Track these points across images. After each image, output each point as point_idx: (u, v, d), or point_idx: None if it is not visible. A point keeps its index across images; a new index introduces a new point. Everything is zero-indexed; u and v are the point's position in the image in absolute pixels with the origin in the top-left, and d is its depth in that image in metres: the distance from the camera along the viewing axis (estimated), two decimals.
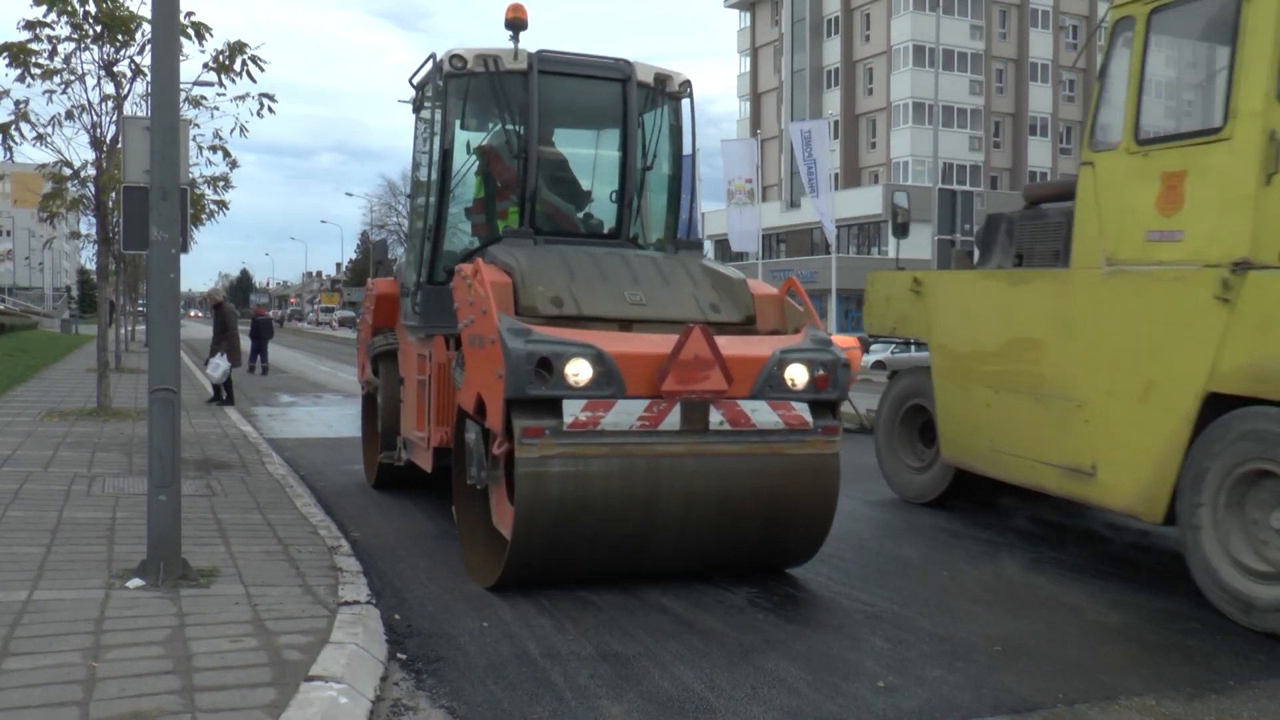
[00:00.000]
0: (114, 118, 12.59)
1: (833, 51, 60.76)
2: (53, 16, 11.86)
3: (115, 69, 12.49)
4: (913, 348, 21.92)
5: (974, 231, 14.62)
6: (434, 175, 7.41)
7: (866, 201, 52.25)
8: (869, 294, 9.30)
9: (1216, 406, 5.67)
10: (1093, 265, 6.49)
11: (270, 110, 12.54)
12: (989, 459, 7.55)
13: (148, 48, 11.31)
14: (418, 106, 8.13)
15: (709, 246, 42.36)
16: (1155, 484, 6.00)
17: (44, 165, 13.96)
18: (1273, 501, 5.43)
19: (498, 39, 7.41)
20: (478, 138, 7.73)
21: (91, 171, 13.21)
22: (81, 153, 13.26)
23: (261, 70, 12.10)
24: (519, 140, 7.28)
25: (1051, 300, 6.88)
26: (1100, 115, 6.63)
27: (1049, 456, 6.86)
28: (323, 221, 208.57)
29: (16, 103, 12.23)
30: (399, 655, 4.75)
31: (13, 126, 12.20)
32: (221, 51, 12.09)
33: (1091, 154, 6.61)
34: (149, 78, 6.59)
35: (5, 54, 11.79)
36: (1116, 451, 6.29)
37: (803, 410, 5.82)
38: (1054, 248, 7.33)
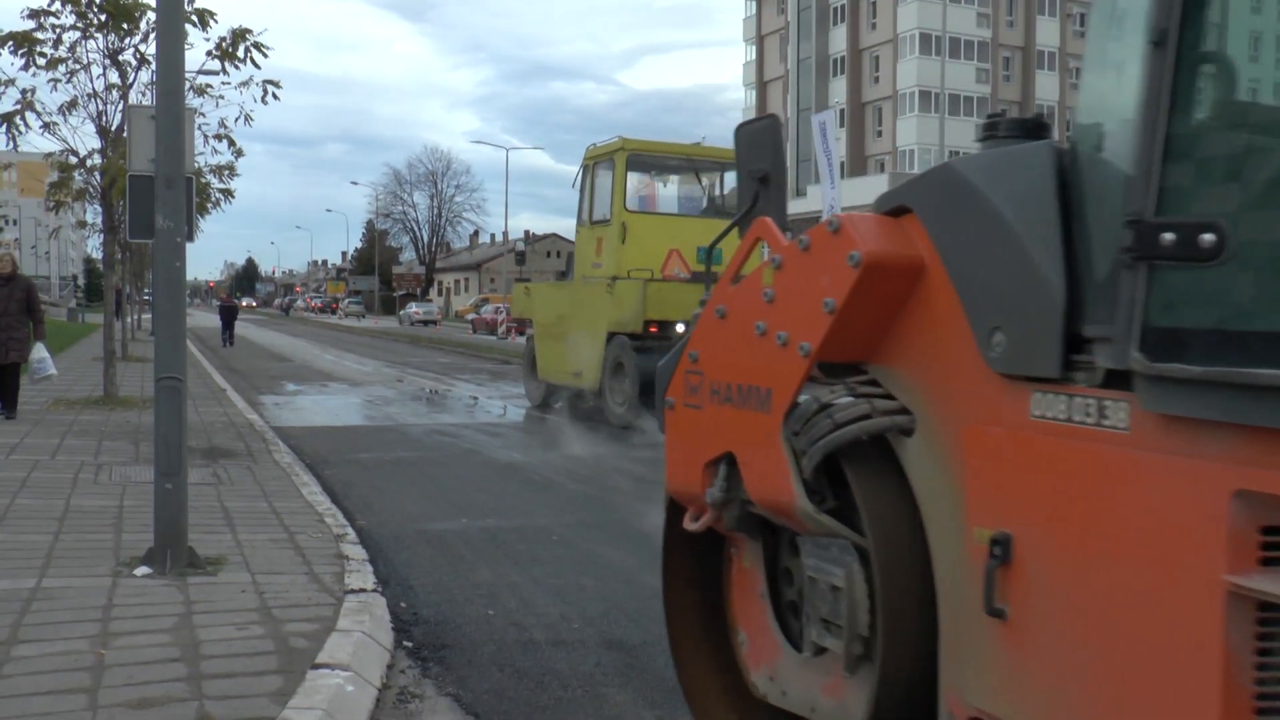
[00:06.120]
0: (119, 106, 12.58)
1: (839, 40, 60.56)
2: (57, 5, 11.86)
3: (120, 58, 12.48)
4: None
5: None
6: None
7: (873, 190, 52.00)
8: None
9: (611, 337, 13.55)
10: (578, 278, 14.84)
11: (275, 97, 12.47)
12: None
13: (152, 36, 11.30)
14: None
15: None
16: (594, 375, 13.87)
17: (50, 154, 13.96)
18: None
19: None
20: None
21: (97, 160, 13.21)
22: (88, 141, 13.24)
23: (265, 56, 12.03)
24: None
25: (566, 292, 15.36)
26: (581, 210, 14.83)
27: (567, 369, 14.77)
28: (328, 210, 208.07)
29: (23, 92, 12.24)
30: (405, 643, 4.76)
31: (18, 115, 12.20)
32: (224, 38, 12.06)
33: (577, 226, 15.13)
34: (154, 66, 6.58)
35: (10, 43, 11.79)
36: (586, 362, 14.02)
37: None
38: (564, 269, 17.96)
